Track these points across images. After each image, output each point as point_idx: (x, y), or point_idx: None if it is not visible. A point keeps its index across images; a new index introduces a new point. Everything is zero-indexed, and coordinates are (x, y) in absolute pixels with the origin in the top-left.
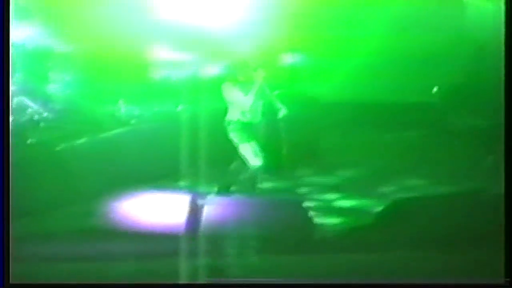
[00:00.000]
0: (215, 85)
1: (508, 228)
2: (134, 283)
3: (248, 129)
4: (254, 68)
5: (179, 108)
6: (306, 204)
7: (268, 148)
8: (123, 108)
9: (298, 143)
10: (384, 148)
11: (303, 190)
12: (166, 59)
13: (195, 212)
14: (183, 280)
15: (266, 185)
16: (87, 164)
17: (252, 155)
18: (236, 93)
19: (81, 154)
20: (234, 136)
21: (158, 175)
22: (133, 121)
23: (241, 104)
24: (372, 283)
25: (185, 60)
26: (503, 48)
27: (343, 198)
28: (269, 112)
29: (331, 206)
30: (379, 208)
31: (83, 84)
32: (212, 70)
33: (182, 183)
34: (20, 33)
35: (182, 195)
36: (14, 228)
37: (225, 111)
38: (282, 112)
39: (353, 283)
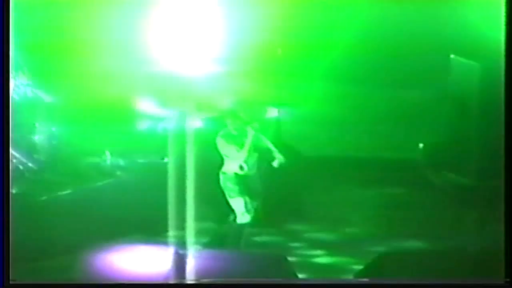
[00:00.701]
0: (200, 137)
1: (508, 229)
2: (134, 283)
3: (240, 183)
4: (246, 121)
5: (165, 160)
6: (289, 258)
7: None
8: (108, 160)
9: (281, 197)
10: (368, 205)
11: (287, 245)
12: (152, 111)
13: (180, 264)
14: None
15: (252, 238)
16: (71, 216)
17: (242, 209)
18: (229, 147)
19: (65, 205)
20: (226, 189)
21: (143, 227)
22: (118, 173)
23: (235, 158)
24: (372, 283)
25: (170, 112)
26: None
27: (326, 254)
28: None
29: (314, 262)
30: (362, 266)
31: (69, 135)
32: (197, 122)
33: (167, 235)
34: None
35: (167, 248)
36: None
37: (211, 163)
38: (277, 162)
39: (353, 283)
